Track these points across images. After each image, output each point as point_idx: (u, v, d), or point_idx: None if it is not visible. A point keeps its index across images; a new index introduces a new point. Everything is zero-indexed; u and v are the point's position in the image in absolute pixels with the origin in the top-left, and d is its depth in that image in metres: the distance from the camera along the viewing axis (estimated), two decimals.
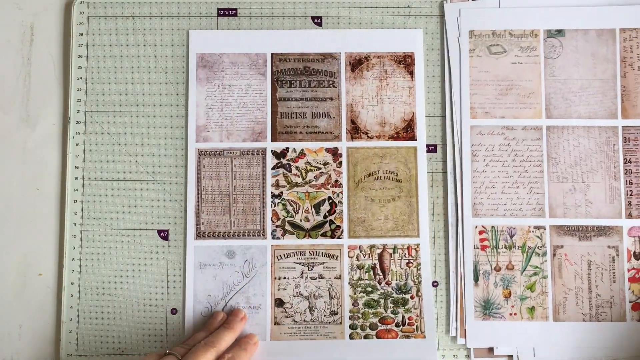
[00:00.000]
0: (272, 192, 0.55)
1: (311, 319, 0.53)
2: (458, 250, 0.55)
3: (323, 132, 0.55)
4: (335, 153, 0.55)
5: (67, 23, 0.57)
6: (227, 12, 0.58)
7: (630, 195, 0.55)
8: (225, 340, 0.50)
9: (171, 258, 0.55)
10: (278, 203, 0.54)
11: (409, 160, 0.55)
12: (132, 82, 0.57)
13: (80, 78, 0.57)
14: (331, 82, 0.55)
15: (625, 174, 0.55)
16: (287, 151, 0.55)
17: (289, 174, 0.55)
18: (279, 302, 0.53)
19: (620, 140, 0.56)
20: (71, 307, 0.54)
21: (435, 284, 0.55)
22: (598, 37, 0.56)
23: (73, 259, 0.55)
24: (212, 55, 0.55)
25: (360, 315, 0.53)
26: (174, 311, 0.54)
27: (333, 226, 0.54)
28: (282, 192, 0.55)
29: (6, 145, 0.56)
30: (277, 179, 0.55)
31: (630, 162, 0.55)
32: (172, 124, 0.56)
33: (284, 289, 0.54)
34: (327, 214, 0.54)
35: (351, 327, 0.53)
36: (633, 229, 0.55)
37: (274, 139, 0.55)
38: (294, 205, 0.54)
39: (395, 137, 0.55)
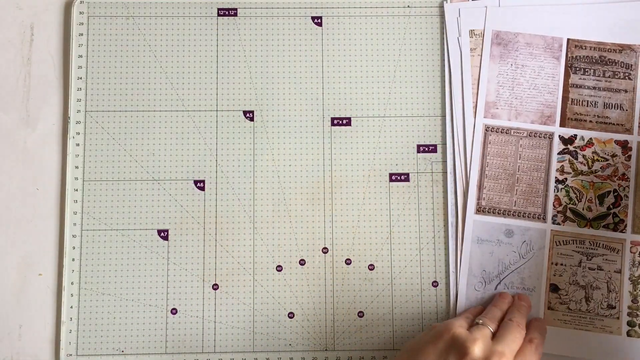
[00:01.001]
0: (556, 177, 0.54)
1: (587, 310, 0.53)
2: (457, 249, 0.55)
3: (614, 124, 0.55)
4: (624, 146, 0.54)
5: (67, 23, 0.58)
6: (227, 12, 0.58)
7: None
8: (525, 322, 0.51)
9: (171, 258, 0.55)
10: (561, 189, 0.54)
11: None
12: (132, 82, 0.57)
13: (80, 78, 0.57)
14: (627, 74, 0.55)
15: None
16: (575, 138, 0.54)
17: (574, 161, 0.54)
18: (554, 288, 0.53)
19: None
20: (71, 307, 0.54)
21: (435, 284, 0.55)
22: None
23: (73, 259, 0.55)
24: (508, 33, 0.55)
25: (639, 314, 0.53)
26: (174, 311, 0.54)
27: (616, 219, 0.54)
28: (566, 179, 0.54)
29: (6, 145, 0.56)
30: (563, 165, 0.54)
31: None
32: (172, 124, 0.56)
33: (560, 275, 0.53)
34: (611, 207, 0.54)
35: (629, 324, 0.53)
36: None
37: (562, 124, 0.55)
38: (577, 193, 0.54)
39: None
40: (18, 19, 0.58)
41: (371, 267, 0.55)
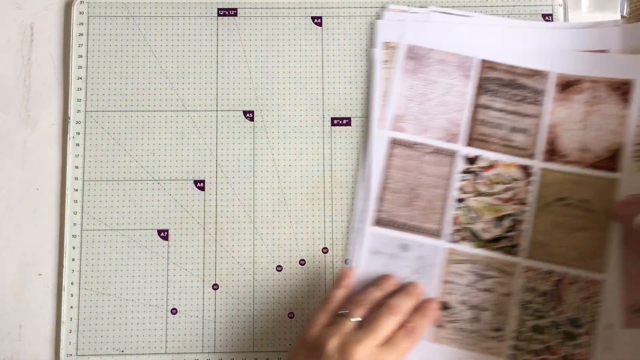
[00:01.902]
0: (456, 196, 0.54)
1: (474, 330, 0.53)
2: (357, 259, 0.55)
3: (518, 148, 0.54)
4: (526, 170, 0.54)
5: (67, 23, 0.58)
6: (227, 12, 0.58)
7: None
8: (407, 307, 0.49)
9: (171, 258, 0.55)
10: (460, 208, 0.54)
11: (606, 191, 0.53)
12: (132, 82, 0.57)
13: (80, 78, 0.57)
14: (536, 100, 0.54)
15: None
16: (478, 159, 0.54)
17: (476, 181, 0.54)
18: (444, 306, 0.53)
19: None
20: (71, 307, 0.54)
21: None
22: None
23: (73, 259, 0.55)
24: (422, 48, 0.55)
25: (524, 338, 0.52)
26: (174, 311, 0.54)
27: (512, 243, 0.53)
28: (466, 198, 0.54)
29: (6, 145, 0.56)
30: (464, 184, 0.54)
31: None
32: (172, 124, 0.56)
33: (451, 294, 0.53)
34: (508, 230, 0.53)
35: (514, 347, 0.52)
36: None
37: (467, 144, 0.54)
38: (476, 214, 0.54)
39: (595, 166, 0.53)
40: (18, 19, 0.58)
41: None
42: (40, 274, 0.55)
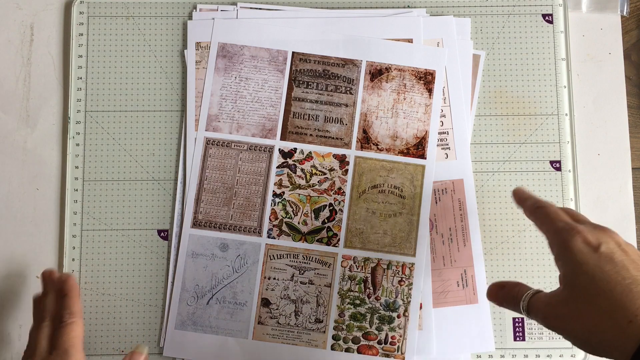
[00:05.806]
0: (273, 191, 0.54)
1: (295, 324, 0.53)
2: (175, 263, 0.55)
3: (333, 138, 0.55)
4: (342, 160, 0.55)
5: (67, 23, 0.58)
6: None
7: None
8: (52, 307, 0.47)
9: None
10: (278, 203, 0.54)
11: (415, 177, 0.55)
12: (132, 82, 0.57)
13: (80, 78, 0.57)
14: (348, 89, 0.55)
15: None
16: (295, 152, 0.55)
17: (293, 174, 0.54)
18: (266, 302, 0.53)
19: None
20: None
21: None
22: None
23: (73, 259, 0.55)
24: (234, 46, 0.55)
25: (344, 327, 0.53)
26: None
27: (330, 233, 0.54)
28: (283, 192, 0.54)
29: (6, 145, 0.56)
30: (281, 179, 0.54)
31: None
32: (172, 124, 0.56)
33: (272, 290, 0.54)
34: (326, 221, 0.54)
35: (334, 337, 0.53)
36: None
37: (283, 138, 0.55)
38: (294, 207, 0.54)
39: (405, 152, 0.55)
40: (18, 19, 0.58)
41: None
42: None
